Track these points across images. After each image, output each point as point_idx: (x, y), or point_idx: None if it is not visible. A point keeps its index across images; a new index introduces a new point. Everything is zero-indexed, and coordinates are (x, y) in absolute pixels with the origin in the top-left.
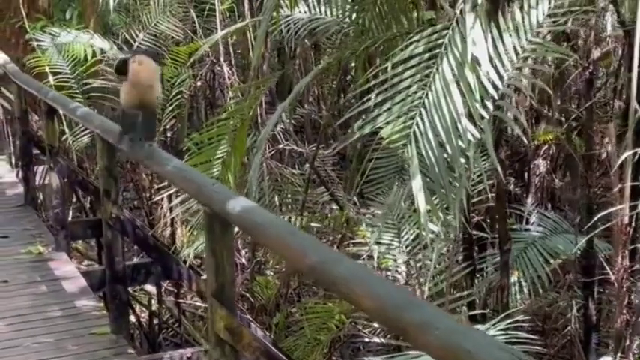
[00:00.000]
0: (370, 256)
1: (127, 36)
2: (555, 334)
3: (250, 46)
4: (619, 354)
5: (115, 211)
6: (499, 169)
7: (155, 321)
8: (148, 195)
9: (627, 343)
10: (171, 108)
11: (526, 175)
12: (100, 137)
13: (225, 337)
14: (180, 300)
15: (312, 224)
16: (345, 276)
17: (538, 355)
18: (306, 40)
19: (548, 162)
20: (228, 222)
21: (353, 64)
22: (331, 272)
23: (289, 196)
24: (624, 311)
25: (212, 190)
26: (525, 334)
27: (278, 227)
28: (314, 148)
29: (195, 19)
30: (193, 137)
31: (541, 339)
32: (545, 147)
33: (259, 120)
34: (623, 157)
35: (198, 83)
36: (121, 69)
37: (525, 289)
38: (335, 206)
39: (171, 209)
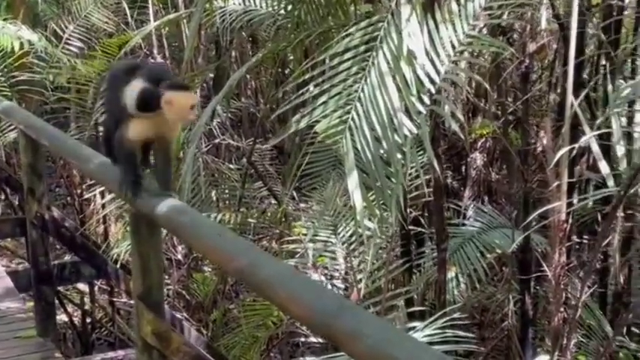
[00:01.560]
0: (306, 254)
1: (57, 28)
2: (493, 327)
3: (185, 38)
4: (557, 352)
5: (39, 210)
6: (436, 164)
7: (88, 320)
8: (79, 192)
9: (565, 341)
10: (102, 102)
11: (463, 168)
12: (22, 133)
13: (152, 342)
14: (114, 299)
15: (250, 220)
16: (271, 280)
17: (476, 350)
18: (243, 32)
19: (485, 155)
20: (155, 223)
21: (291, 57)
22: (258, 276)
23: (226, 191)
24: (562, 309)
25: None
26: (463, 332)
27: (205, 228)
28: (251, 142)
29: (127, 11)
30: None
31: (479, 333)
32: (482, 140)
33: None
34: (560, 154)
35: None
36: (149, 105)
37: (463, 284)
38: (273, 201)
39: (103, 206)
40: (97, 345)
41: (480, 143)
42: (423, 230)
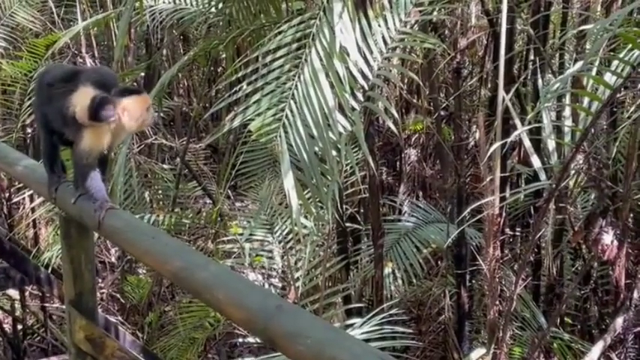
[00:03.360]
0: (243, 254)
1: None
2: (430, 321)
3: (114, 37)
4: (493, 345)
5: None
6: (370, 160)
7: (19, 327)
8: (7, 195)
9: (500, 334)
10: (29, 103)
11: (398, 164)
12: None
13: (86, 348)
14: (46, 304)
15: (184, 220)
16: (207, 282)
17: (413, 344)
18: (174, 31)
19: (419, 151)
20: (85, 226)
21: (223, 56)
22: (194, 279)
23: (160, 191)
24: (497, 302)
25: (66, 192)
26: (400, 328)
27: (138, 231)
28: (185, 142)
29: (54, 9)
30: None
31: (416, 327)
32: (416, 136)
33: None
34: (492, 149)
35: None
36: (104, 114)
37: (400, 280)
38: (209, 201)
39: (33, 209)
40: (29, 352)
41: (413, 139)
42: (359, 227)
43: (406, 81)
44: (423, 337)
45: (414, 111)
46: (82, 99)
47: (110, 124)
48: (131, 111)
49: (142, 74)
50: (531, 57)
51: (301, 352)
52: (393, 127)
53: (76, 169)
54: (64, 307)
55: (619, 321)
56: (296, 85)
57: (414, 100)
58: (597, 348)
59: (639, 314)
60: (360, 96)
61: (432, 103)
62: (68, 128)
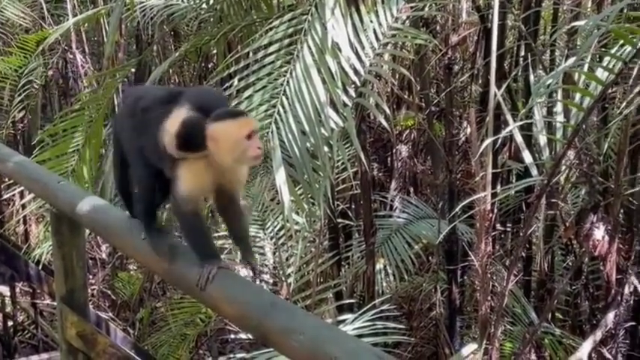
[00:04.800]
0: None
1: None
2: (421, 317)
3: (105, 34)
4: (484, 340)
5: None
6: (362, 156)
7: (9, 324)
8: None
9: (492, 329)
10: (20, 98)
11: (389, 160)
12: None
13: (77, 344)
14: (37, 301)
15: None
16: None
17: (405, 340)
18: (164, 27)
19: (411, 147)
20: (77, 223)
21: (215, 52)
22: (187, 277)
23: None
24: (488, 297)
25: (58, 189)
26: (392, 324)
27: (129, 228)
28: None
29: (44, 5)
30: (47, 129)
31: (408, 323)
32: (407, 132)
33: (117, 110)
34: (484, 145)
35: (50, 72)
36: (194, 141)
37: (391, 275)
38: None
39: (23, 206)
40: (19, 348)
41: (405, 135)
42: (351, 223)
43: (397, 77)
44: (415, 332)
45: (405, 107)
46: (173, 124)
47: (207, 157)
48: (222, 139)
49: (133, 70)
50: (522, 53)
51: (295, 348)
52: (384, 123)
53: (177, 219)
54: (54, 303)
55: (610, 316)
56: (288, 81)
57: (406, 97)
58: (588, 343)
59: (630, 309)
60: (351, 92)
61: (423, 99)
62: (164, 163)
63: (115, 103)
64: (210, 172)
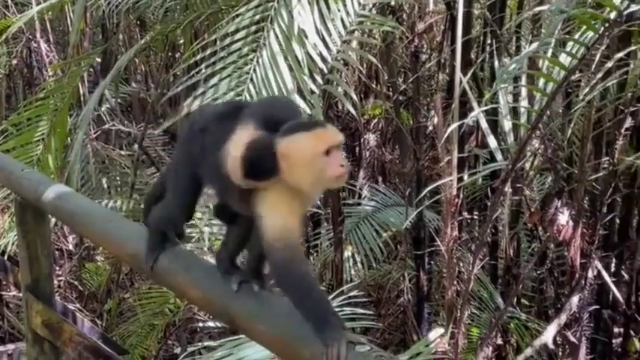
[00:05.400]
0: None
1: None
2: (389, 304)
3: (70, 22)
4: (451, 325)
5: None
6: None
7: None
8: None
9: (458, 314)
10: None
11: (357, 149)
12: None
13: (43, 333)
14: (2, 292)
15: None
16: (167, 265)
17: (374, 327)
18: (130, 15)
19: (379, 136)
20: (41, 210)
21: (181, 41)
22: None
23: (118, 178)
24: (454, 282)
25: (22, 177)
26: (361, 310)
27: (94, 215)
28: (143, 128)
29: None
30: (11, 119)
31: (376, 310)
32: (375, 121)
33: (83, 99)
34: (449, 130)
35: (14, 62)
36: (262, 165)
37: (359, 263)
38: None
39: None
40: None
41: (372, 124)
42: (319, 211)
43: (365, 66)
44: (383, 319)
45: (373, 96)
46: (236, 146)
47: (282, 183)
48: (294, 157)
49: (100, 60)
50: (489, 41)
51: (262, 332)
52: (352, 111)
53: (277, 277)
54: (20, 294)
55: (574, 300)
56: (254, 68)
57: (374, 85)
58: (553, 327)
59: (594, 293)
60: (319, 79)
61: (391, 88)
62: (230, 195)
63: (80, 92)
64: (296, 201)
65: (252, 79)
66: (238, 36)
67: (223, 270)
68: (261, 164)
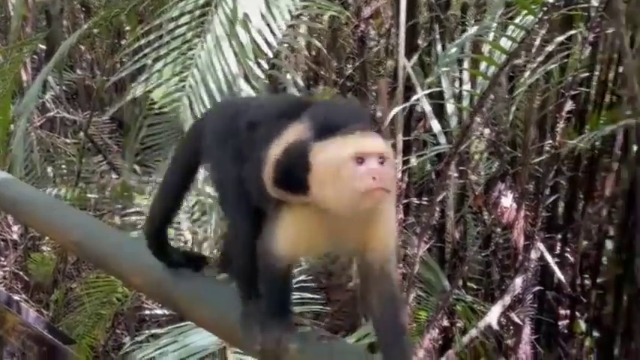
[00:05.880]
0: None
1: None
2: (339, 290)
3: (11, 7)
4: None
5: None
6: None
7: None
8: None
9: (405, 296)
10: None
11: None
12: None
13: None
14: None
15: (89, 195)
16: (112, 252)
17: (322, 311)
18: (74, 1)
19: None
20: None
21: (127, 28)
22: (97, 248)
23: (64, 166)
24: (400, 265)
25: None
26: (309, 294)
27: (37, 203)
28: (88, 115)
29: None
30: None
31: (326, 296)
32: None
33: (27, 86)
34: (393, 113)
35: None
36: (294, 175)
37: None
38: (115, 175)
39: None
40: None
41: None
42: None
43: (313, 51)
44: (332, 304)
45: (323, 83)
46: (275, 150)
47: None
48: (322, 165)
49: (44, 47)
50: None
51: (204, 316)
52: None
53: (261, 278)
54: None
55: (518, 281)
56: (199, 54)
57: (322, 72)
58: (497, 308)
59: (537, 274)
60: (264, 64)
61: (338, 74)
62: (265, 203)
63: (24, 78)
64: (323, 224)
65: (196, 65)
66: (182, 20)
67: (155, 252)
68: (294, 173)
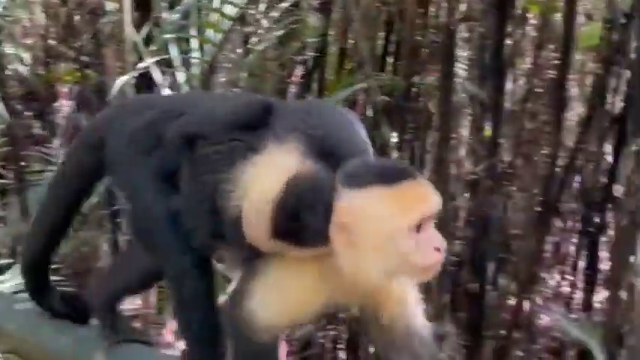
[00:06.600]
0: None
1: None
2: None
3: None
4: None
5: None
6: (4, 110)
7: None
8: None
9: None
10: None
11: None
12: None
13: None
14: None
15: None
16: None
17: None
18: None
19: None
20: None
21: None
22: None
23: None
24: None
25: None
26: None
27: None
28: None
29: None
30: None
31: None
32: (69, 86)
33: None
34: (121, 82)
35: None
36: (307, 225)
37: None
38: None
39: None
40: None
41: (67, 89)
42: (8, 181)
43: (54, 30)
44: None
45: (68, 61)
46: (263, 182)
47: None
48: (366, 230)
49: None
50: None
51: None
52: (24, 73)
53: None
54: None
55: None
56: None
57: (64, 50)
58: None
59: None
60: None
61: (77, 50)
62: (234, 245)
63: None
64: (327, 280)
65: None
66: None
67: (102, 317)
68: (305, 221)
